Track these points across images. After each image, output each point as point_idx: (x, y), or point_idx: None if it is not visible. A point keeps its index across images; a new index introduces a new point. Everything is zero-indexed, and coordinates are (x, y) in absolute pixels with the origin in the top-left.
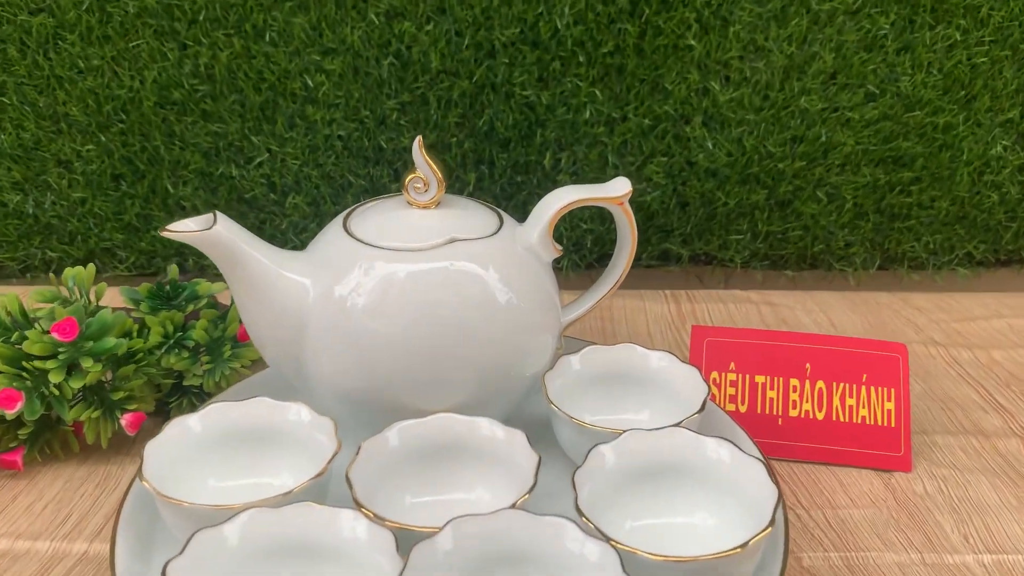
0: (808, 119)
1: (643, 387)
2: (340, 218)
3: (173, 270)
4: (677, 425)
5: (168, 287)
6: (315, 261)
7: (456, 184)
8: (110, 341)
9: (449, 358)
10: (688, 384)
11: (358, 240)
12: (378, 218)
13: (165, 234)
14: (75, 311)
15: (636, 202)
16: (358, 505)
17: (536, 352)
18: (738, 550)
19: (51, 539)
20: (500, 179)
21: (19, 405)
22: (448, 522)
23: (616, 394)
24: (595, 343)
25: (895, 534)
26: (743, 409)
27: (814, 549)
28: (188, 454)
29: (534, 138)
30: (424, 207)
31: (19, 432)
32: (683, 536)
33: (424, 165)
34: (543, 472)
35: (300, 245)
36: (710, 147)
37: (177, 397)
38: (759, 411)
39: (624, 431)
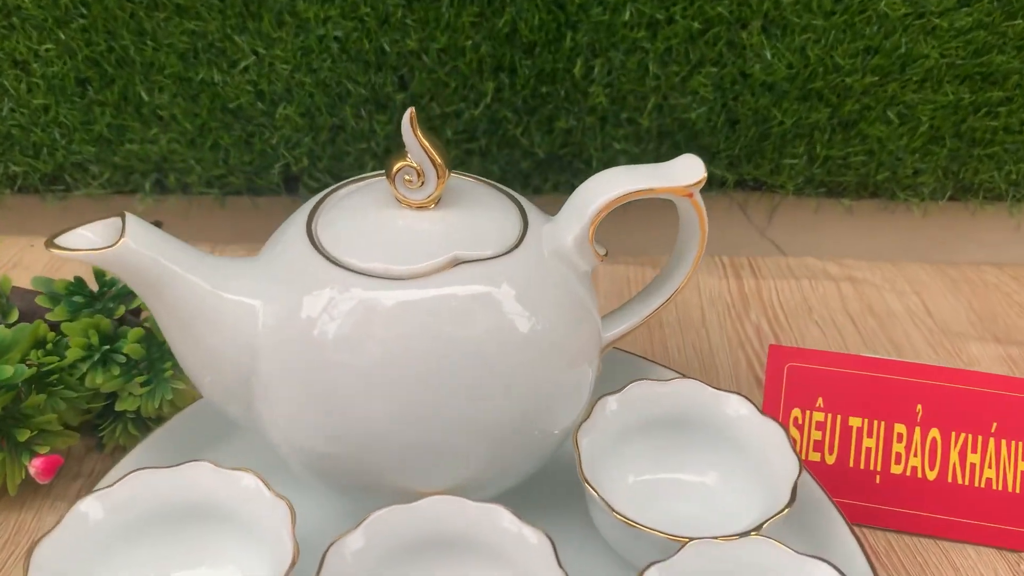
0: (887, 26)
1: (708, 437)
2: (304, 212)
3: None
4: (759, 530)
5: (97, 285)
6: (268, 275)
7: (471, 96)
8: (6, 370)
9: (452, 419)
10: (771, 446)
11: (327, 257)
12: (356, 221)
13: (56, 252)
14: None
15: (679, 119)
16: None
17: (569, 401)
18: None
19: None
20: (522, 90)
21: None
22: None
23: (671, 443)
24: (636, 356)
25: None
26: (831, 460)
27: None
28: (91, 551)
29: (563, 42)
30: (419, 207)
31: None
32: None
33: (418, 149)
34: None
35: (293, 163)
36: (768, 57)
37: (110, 422)
38: (852, 464)
39: (688, 540)
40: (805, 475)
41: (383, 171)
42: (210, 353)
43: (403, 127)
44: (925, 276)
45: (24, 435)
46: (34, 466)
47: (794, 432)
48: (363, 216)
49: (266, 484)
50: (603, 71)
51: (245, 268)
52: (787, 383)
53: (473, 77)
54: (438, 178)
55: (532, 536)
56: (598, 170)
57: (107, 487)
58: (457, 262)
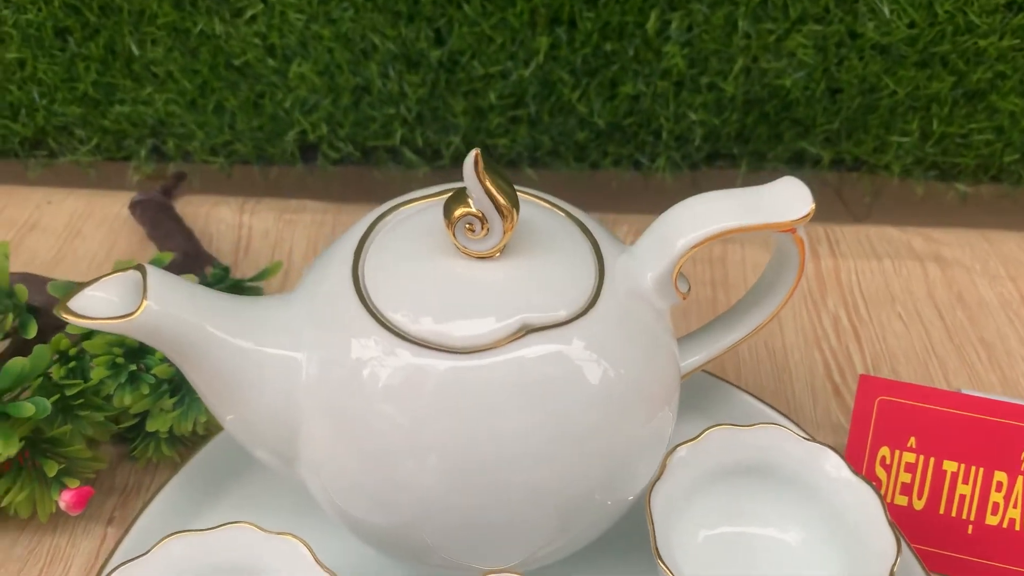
0: None
1: (792, 491)
2: (349, 248)
3: (117, 264)
4: None
5: None
6: (311, 323)
7: (520, 53)
8: (27, 408)
9: (517, 492)
10: (864, 514)
11: (379, 320)
12: (409, 271)
13: (67, 318)
14: None
15: (771, 85)
16: None
17: (649, 456)
18: None
19: None
20: (582, 48)
21: None
22: None
23: (749, 493)
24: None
25: None
26: (919, 505)
27: None
28: None
29: None
30: (481, 258)
31: None
32: None
33: (483, 196)
34: None
35: (310, 130)
36: (886, 13)
37: (141, 439)
38: (943, 511)
39: None
40: (907, 554)
41: (436, 191)
42: (252, 412)
43: (466, 170)
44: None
45: (53, 469)
46: (64, 500)
47: (880, 473)
48: (417, 264)
49: (312, 553)
50: (682, 26)
51: (282, 313)
52: (877, 418)
53: (523, 31)
54: (505, 228)
55: None
56: (668, 144)
57: (142, 556)
58: (527, 330)
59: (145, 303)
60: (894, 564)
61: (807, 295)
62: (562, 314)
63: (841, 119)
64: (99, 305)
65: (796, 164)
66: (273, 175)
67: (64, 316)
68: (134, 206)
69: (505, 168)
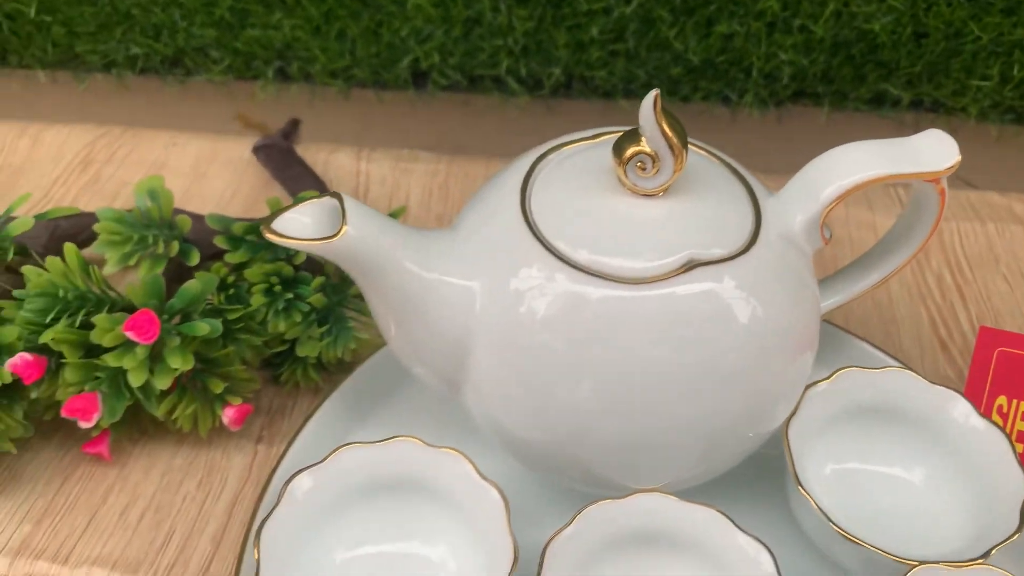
0: None
1: (918, 433)
2: (515, 183)
3: (274, 202)
4: (986, 556)
5: None
6: (483, 255)
7: None
8: (202, 327)
9: (670, 419)
10: (991, 456)
11: (551, 251)
12: (577, 206)
13: (271, 238)
14: (151, 290)
15: (860, 29)
16: None
17: (790, 393)
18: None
19: (151, 573)
20: None
21: (96, 416)
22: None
23: (876, 433)
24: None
25: None
26: None
27: None
28: (310, 520)
29: None
30: (647, 195)
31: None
32: None
33: (659, 136)
34: None
35: (423, 58)
36: None
37: (290, 363)
38: None
39: (915, 565)
40: None
41: (592, 134)
42: (427, 336)
43: (643, 110)
44: None
45: (219, 387)
46: (227, 416)
47: (997, 420)
48: (585, 199)
49: (475, 467)
50: None
51: (457, 246)
52: (995, 369)
53: None
54: (674, 167)
55: (750, 547)
56: (757, 82)
57: (318, 464)
58: (692, 265)
59: (345, 228)
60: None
61: (913, 261)
62: (723, 251)
63: (924, 63)
64: (299, 227)
65: (875, 103)
66: (387, 98)
67: (269, 236)
68: (258, 149)
69: (600, 99)
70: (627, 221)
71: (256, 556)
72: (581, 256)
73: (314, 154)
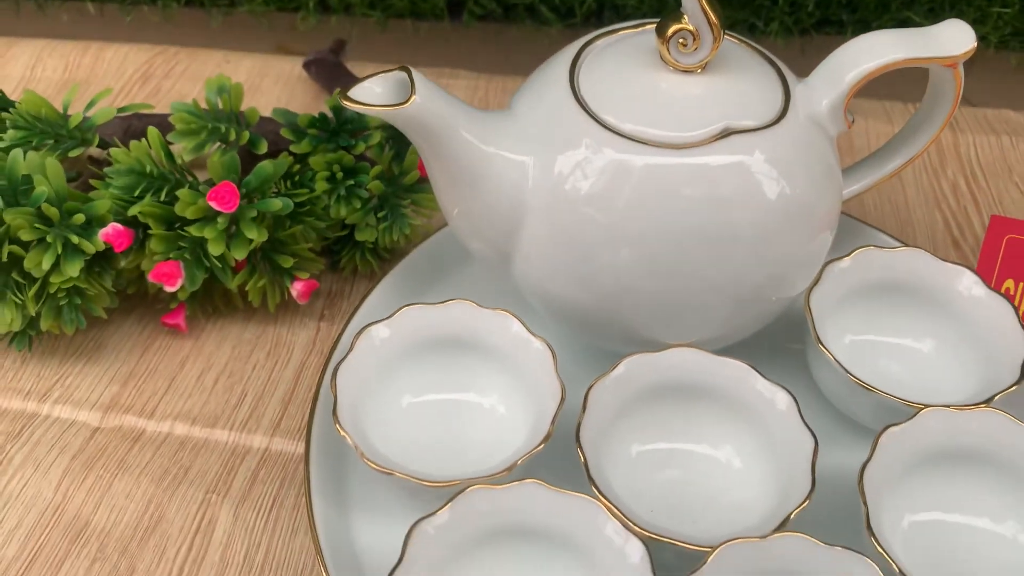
0: None
1: (931, 307)
2: (563, 66)
3: (335, 99)
4: (988, 402)
5: (333, 117)
6: (536, 132)
7: None
8: (275, 203)
9: (705, 281)
10: (998, 325)
11: (595, 119)
12: (623, 82)
13: (351, 106)
14: (230, 166)
15: None
16: (598, 492)
17: (810, 265)
18: None
19: (228, 427)
20: None
21: (179, 281)
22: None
23: (892, 308)
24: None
25: None
26: None
27: None
28: (378, 367)
29: None
30: (686, 71)
31: (178, 292)
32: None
33: (699, 12)
34: None
35: None
36: None
37: (348, 248)
38: None
39: (922, 408)
40: None
41: (634, 24)
42: (484, 207)
43: None
44: None
45: (288, 262)
46: (295, 289)
47: None
48: (630, 76)
49: (524, 325)
50: None
51: (511, 124)
52: (1004, 254)
53: None
54: (714, 43)
55: (782, 401)
56: (783, 9)
57: (387, 318)
58: (728, 132)
59: (414, 97)
60: None
61: (926, 164)
62: (756, 123)
63: None
64: (372, 95)
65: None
66: (423, 29)
67: (346, 103)
68: (308, 64)
69: None
70: (669, 95)
71: (333, 392)
72: (627, 127)
73: (360, 72)
